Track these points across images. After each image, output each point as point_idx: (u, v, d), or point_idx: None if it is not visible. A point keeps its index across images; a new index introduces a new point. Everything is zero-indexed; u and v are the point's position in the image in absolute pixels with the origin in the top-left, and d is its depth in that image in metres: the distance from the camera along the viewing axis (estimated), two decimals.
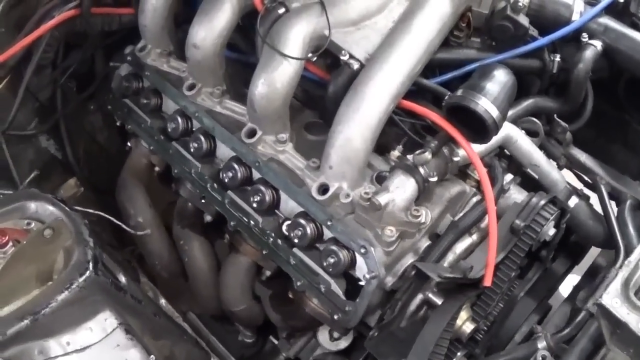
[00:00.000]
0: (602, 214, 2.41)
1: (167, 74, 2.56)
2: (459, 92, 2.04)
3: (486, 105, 1.98)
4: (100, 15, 2.76)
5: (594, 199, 2.49)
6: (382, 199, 1.99)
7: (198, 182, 2.42)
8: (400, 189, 2.03)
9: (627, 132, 2.79)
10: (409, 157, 2.08)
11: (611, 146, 2.87)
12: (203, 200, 2.47)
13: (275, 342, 2.73)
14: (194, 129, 2.44)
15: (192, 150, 2.39)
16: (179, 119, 2.44)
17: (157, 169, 2.70)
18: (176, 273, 2.79)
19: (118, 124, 2.71)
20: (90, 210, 2.32)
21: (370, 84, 2.07)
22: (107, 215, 2.43)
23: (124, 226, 2.55)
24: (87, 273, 1.90)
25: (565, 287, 2.72)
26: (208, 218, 2.53)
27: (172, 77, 2.54)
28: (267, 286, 2.53)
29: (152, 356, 1.98)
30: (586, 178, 2.60)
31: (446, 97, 2.09)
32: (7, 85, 2.66)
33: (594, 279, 2.52)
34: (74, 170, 2.97)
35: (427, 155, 2.04)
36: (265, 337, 2.81)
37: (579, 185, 2.60)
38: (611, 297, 1.70)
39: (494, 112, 1.99)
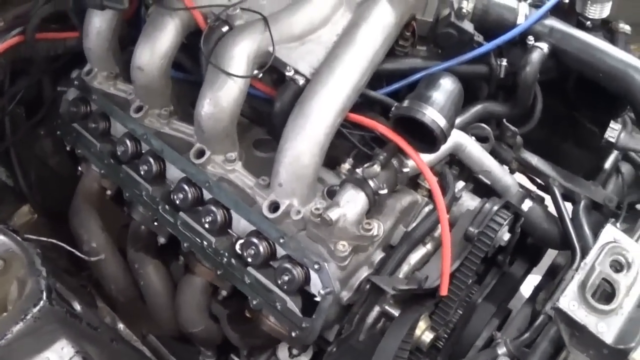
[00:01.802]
0: (557, 215, 2.42)
1: (114, 97, 2.54)
2: (405, 103, 2.05)
3: (433, 115, 1.99)
4: (45, 40, 2.72)
5: (548, 200, 2.50)
6: (333, 214, 1.99)
7: (150, 205, 2.39)
8: (351, 204, 2.03)
9: (579, 130, 2.79)
10: (358, 170, 2.08)
11: (564, 145, 2.87)
12: (156, 223, 2.46)
13: None
14: (143, 152, 2.42)
15: (142, 172, 2.37)
16: (128, 142, 2.41)
17: (108, 192, 2.68)
18: (133, 296, 2.76)
19: (68, 148, 2.68)
20: (44, 238, 2.30)
21: (316, 99, 2.07)
22: (60, 243, 2.41)
23: (77, 253, 2.52)
24: (41, 303, 1.91)
25: (527, 288, 2.71)
26: (162, 240, 2.52)
27: (119, 100, 2.52)
28: (223, 306, 2.51)
29: None
30: (539, 180, 2.60)
31: (392, 109, 2.09)
32: None
33: (554, 279, 2.53)
34: (26, 196, 2.94)
35: (376, 168, 2.04)
36: (227, 356, 2.78)
37: (532, 187, 2.60)
38: (568, 300, 1.69)
39: (442, 122, 1.99)
